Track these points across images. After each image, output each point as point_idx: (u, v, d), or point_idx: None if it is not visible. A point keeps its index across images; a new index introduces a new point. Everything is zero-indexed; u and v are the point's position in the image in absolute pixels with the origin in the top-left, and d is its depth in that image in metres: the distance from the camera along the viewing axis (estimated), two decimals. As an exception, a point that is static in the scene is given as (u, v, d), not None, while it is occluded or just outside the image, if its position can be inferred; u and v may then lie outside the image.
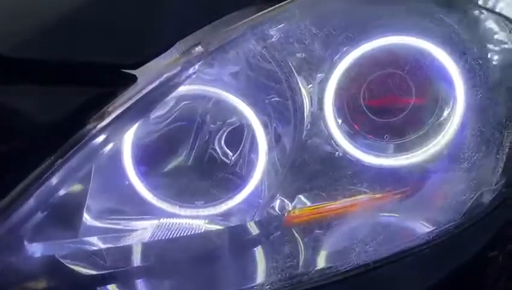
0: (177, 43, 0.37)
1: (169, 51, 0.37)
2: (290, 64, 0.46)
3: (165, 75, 0.37)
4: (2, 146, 0.38)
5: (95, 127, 0.36)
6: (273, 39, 0.44)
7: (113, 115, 0.36)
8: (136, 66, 0.36)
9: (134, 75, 0.36)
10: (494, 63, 0.45)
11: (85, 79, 0.36)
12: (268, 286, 0.39)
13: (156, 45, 0.37)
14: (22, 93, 0.36)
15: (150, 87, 0.37)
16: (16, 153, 0.38)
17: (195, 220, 0.47)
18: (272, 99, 0.47)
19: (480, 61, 0.45)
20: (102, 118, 0.36)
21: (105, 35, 0.38)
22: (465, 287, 0.44)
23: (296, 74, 0.46)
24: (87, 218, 0.46)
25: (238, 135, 0.48)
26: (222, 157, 0.48)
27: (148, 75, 0.37)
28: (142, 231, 0.47)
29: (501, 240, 0.46)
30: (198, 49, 0.38)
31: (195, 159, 0.48)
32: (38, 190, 0.37)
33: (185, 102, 0.45)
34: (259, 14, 0.42)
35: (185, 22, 0.39)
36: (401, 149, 0.47)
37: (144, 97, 0.37)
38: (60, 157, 0.36)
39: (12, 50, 0.36)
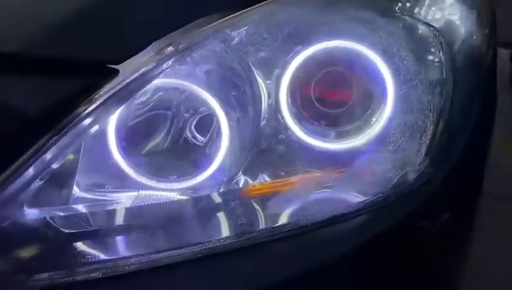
0: (153, 43, 0.46)
1: (146, 49, 0.46)
2: (250, 63, 0.54)
3: (142, 70, 0.46)
4: (6, 127, 0.46)
5: (83, 111, 0.44)
6: (235, 41, 0.53)
7: (99, 102, 0.44)
8: (119, 62, 0.45)
9: (117, 69, 0.45)
10: (417, 63, 0.54)
11: (77, 71, 0.45)
12: (223, 240, 0.48)
13: (135, 45, 0.46)
14: (24, 83, 0.45)
15: (129, 79, 0.45)
16: (17, 133, 0.46)
17: (169, 192, 0.56)
18: (234, 93, 0.56)
19: (406, 62, 0.54)
20: (90, 104, 0.44)
21: (94, 36, 0.46)
22: (389, 249, 0.53)
23: (254, 71, 0.55)
24: (76, 190, 0.54)
25: (207, 122, 0.56)
26: (193, 140, 0.57)
27: (128, 69, 0.46)
28: (124, 201, 0.55)
29: (423, 212, 0.55)
30: (170, 48, 0.47)
31: (170, 141, 0.56)
32: (36, 162, 0.46)
33: (161, 92, 0.54)
34: (223, 19, 0.50)
35: (160, 25, 0.48)
36: (341, 136, 0.56)
37: (124, 87, 0.45)
38: (55, 135, 0.45)
39: (13, 47, 0.45)
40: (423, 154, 0.54)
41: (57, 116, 0.44)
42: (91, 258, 0.47)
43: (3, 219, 0.46)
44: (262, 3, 0.52)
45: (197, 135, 0.57)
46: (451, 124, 0.56)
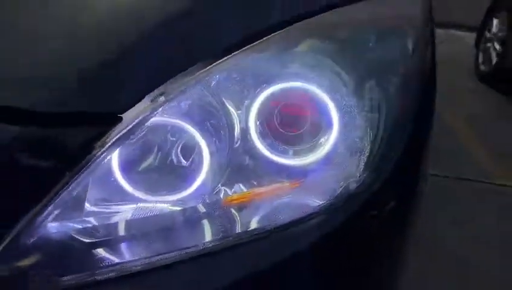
0: (148, 95, 0.60)
1: (143, 100, 0.59)
2: (223, 98, 0.68)
3: (140, 116, 0.60)
4: (40, 166, 0.59)
5: (98, 152, 0.58)
6: (212, 84, 0.66)
7: (109, 144, 0.58)
8: (123, 111, 0.59)
9: (121, 117, 0.58)
10: (356, 98, 0.69)
11: (91, 120, 0.58)
12: (210, 243, 0.63)
13: (134, 97, 0.60)
14: (51, 130, 0.58)
15: (131, 125, 0.59)
16: (46, 171, 0.59)
17: (162, 204, 0.69)
18: (212, 121, 0.69)
19: (347, 97, 0.68)
20: (103, 146, 0.58)
21: (100, 92, 0.60)
22: (337, 242, 0.68)
23: (227, 104, 0.69)
24: (87, 205, 0.67)
25: (190, 147, 0.70)
26: (179, 161, 0.70)
27: (130, 116, 0.59)
28: (124, 213, 0.69)
29: (362, 212, 0.70)
30: (162, 98, 0.61)
31: (161, 162, 0.70)
32: (59, 197, 0.59)
33: (151, 126, 0.67)
34: (203, 70, 0.64)
35: (152, 79, 0.61)
36: (297, 154, 0.70)
37: (128, 131, 0.59)
38: (76, 173, 0.58)
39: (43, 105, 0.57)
40: (362, 168, 0.69)
41: (80, 155, 0.58)
42: (108, 262, 0.61)
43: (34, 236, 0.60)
44: (234, 53, 0.66)
45: (181, 157, 0.70)
46: (386, 142, 0.70)
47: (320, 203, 0.67)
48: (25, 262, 0.59)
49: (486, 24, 4.50)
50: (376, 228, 0.74)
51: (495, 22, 4.33)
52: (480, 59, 4.46)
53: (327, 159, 0.69)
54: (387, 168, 0.72)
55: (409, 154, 0.77)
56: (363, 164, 0.69)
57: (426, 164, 0.86)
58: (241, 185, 0.71)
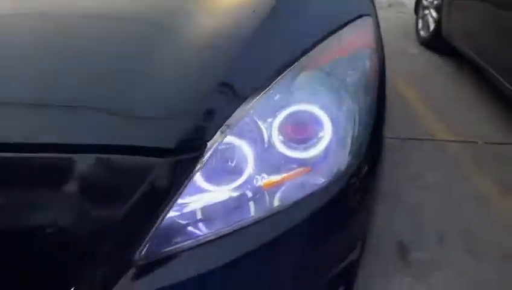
0: (219, 130, 0.97)
1: (217, 134, 0.96)
2: (255, 118, 1.05)
3: (213, 146, 0.96)
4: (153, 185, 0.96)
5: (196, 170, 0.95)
6: (251, 112, 1.03)
7: (200, 165, 0.95)
8: (203, 145, 0.96)
9: (202, 148, 0.95)
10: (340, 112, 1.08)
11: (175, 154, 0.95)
12: (254, 217, 1.01)
13: (209, 133, 0.96)
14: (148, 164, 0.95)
15: (209, 153, 0.96)
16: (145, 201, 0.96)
17: (223, 192, 1.06)
18: (252, 135, 1.05)
19: (337, 114, 1.07)
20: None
21: (193, 128, 0.96)
22: (336, 204, 1.08)
23: (259, 122, 1.06)
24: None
25: (239, 154, 1.06)
26: (232, 162, 1.08)
27: (208, 147, 0.96)
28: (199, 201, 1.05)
29: (350, 182, 1.10)
30: (227, 129, 0.97)
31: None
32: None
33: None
34: (248, 106, 1.01)
35: (220, 116, 0.98)
36: (307, 150, 1.08)
37: (208, 159, 0.96)
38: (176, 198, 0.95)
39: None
40: (348, 155, 1.08)
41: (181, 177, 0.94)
42: (192, 234, 0.98)
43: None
44: (263, 92, 1.03)
45: (234, 161, 1.08)
46: (361, 137, 1.10)
47: (324, 180, 1.07)
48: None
49: (422, -8, 4.93)
50: (358, 189, 1.14)
51: (430, -10, 4.76)
52: (420, 25, 4.91)
53: (326, 152, 1.08)
54: (362, 152, 1.12)
55: (374, 141, 1.17)
56: (348, 152, 1.08)
57: (384, 142, 1.27)
58: (271, 174, 1.08)
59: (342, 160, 1.08)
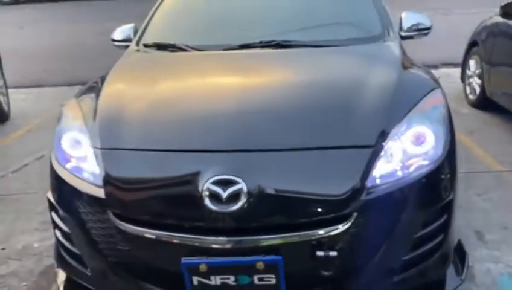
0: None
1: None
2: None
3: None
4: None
5: None
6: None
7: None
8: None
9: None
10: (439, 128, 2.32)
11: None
12: None
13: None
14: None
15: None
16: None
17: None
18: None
19: (438, 129, 2.30)
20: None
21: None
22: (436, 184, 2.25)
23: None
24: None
25: None
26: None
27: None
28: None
29: (444, 166, 2.27)
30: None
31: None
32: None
33: None
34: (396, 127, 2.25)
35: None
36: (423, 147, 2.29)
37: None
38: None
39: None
40: (442, 149, 2.27)
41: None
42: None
43: None
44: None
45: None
46: (448, 142, 2.32)
47: (432, 162, 2.24)
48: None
49: (465, 65, 6.15)
50: (448, 165, 2.31)
51: (471, 62, 5.99)
52: (468, 90, 6.08)
53: (432, 148, 2.26)
54: (447, 148, 2.30)
55: (452, 142, 2.37)
56: (442, 148, 2.27)
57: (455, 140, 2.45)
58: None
59: (439, 152, 2.26)
